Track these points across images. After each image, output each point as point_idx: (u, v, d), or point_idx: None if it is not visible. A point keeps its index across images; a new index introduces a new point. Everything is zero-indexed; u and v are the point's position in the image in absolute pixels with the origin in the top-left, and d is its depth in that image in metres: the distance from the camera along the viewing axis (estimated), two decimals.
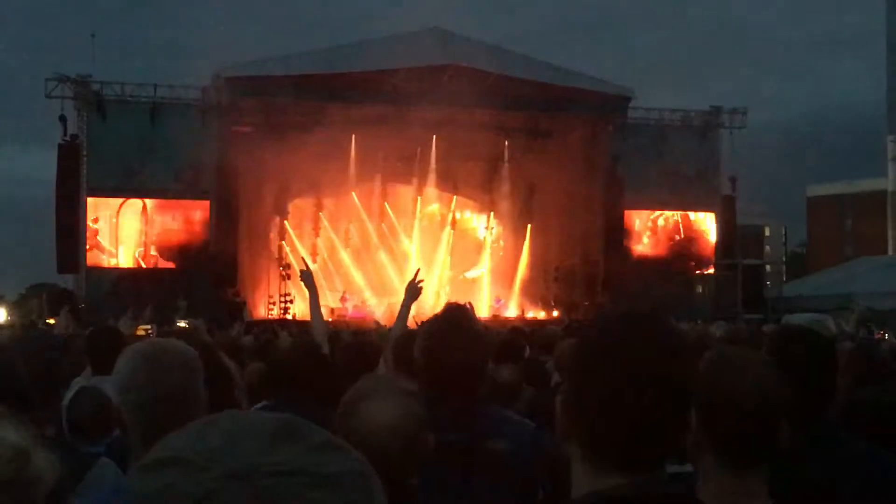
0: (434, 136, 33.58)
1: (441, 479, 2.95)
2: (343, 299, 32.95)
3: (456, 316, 3.45)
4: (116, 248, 31.79)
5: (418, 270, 6.71)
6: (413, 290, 6.39)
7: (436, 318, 3.50)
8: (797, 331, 3.65)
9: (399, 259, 34.99)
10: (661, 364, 1.76)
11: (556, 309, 33.67)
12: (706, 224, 36.13)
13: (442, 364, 3.28)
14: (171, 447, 1.01)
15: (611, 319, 1.91)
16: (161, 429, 2.52)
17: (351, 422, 2.71)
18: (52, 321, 22.42)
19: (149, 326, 14.15)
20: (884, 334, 16.93)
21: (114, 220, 31.67)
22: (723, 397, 2.48)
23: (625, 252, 34.69)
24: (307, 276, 6.94)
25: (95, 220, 31.39)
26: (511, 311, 33.64)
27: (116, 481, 2.82)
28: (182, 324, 15.41)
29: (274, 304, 32.27)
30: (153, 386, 2.69)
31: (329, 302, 33.65)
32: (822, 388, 3.22)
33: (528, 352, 7.84)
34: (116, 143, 30.51)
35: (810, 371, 3.16)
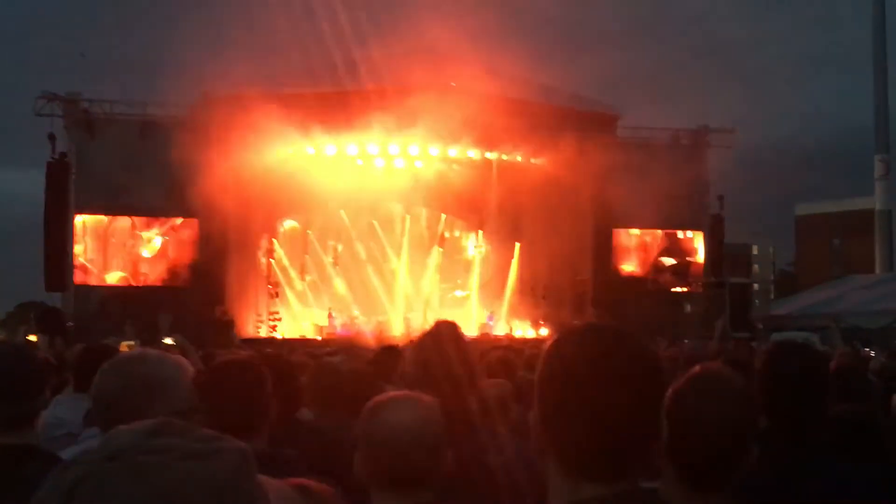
0: (422, 156, 33.68)
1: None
2: (330, 317, 32.91)
3: (445, 330, 3.50)
4: (105, 267, 31.73)
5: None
6: None
7: (427, 332, 3.55)
8: (792, 346, 3.66)
9: (388, 277, 35.01)
10: (632, 377, 1.79)
11: (545, 327, 33.68)
12: (694, 243, 36.23)
13: (433, 376, 3.30)
14: (66, 462, 1.08)
15: (575, 332, 1.93)
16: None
17: (373, 425, 2.74)
18: (33, 338, 22.32)
19: (132, 342, 14.12)
20: (869, 352, 16.97)
21: (102, 238, 31.64)
22: (686, 420, 2.49)
23: (613, 271, 34.76)
24: None
25: (84, 238, 31.34)
26: (499, 330, 33.63)
27: None
28: (168, 340, 15.34)
29: (262, 322, 32.22)
30: (98, 391, 2.89)
31: (317, 320, 33.65)
32: (815, 404, 3.23)
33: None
34: (105, 162, 30.44)
35: (803, 386, 3.17)
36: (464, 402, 3.32)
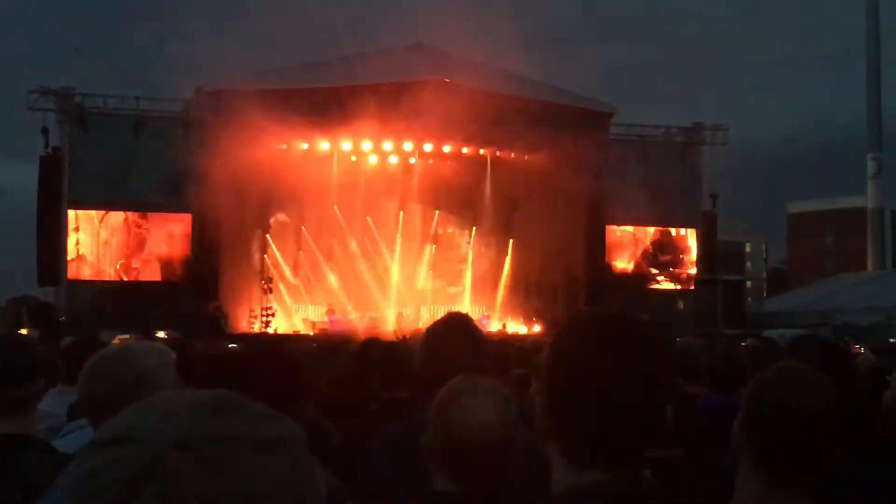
0: (416, 152, 33.70)
1: None
2: (330, 312, 32.88)
3: (458, 318, 3.54)
4: (98, 261, 31.67)
5: None
6: None
7: (439, 320, 3.57)
8: (812, 340, 3.66)
9: (381, 273, 34.99)
10: (636, 360, 1.80)
11: (537, 323, 33.71)
12: (687, 240, 36.27)
13: (444, 361, 3.32)
14: (110, 429, 1.03)
15: (584, 319, 1.95)
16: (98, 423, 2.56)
17: (447, 414, 2.74)
18: (24, 331, 22.24)
19: (126, 336, 14.09)
20: (860, 349, 17.01)
21: (95, 232, 31.58)
22: (772, 410, 2.49)
23: (606, 267, 34.79)
24: None
25: (77, 233, 31.28)
26: (493, 326, 33.66)
27: None
28: (161, 334, 15.35)
29: (255, 317, 32.19)
30: (84, 392, 2.95)
31: (311, 316, 33.64)
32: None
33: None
34: (98, 156, 30.42)
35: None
36: None
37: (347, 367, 6.16)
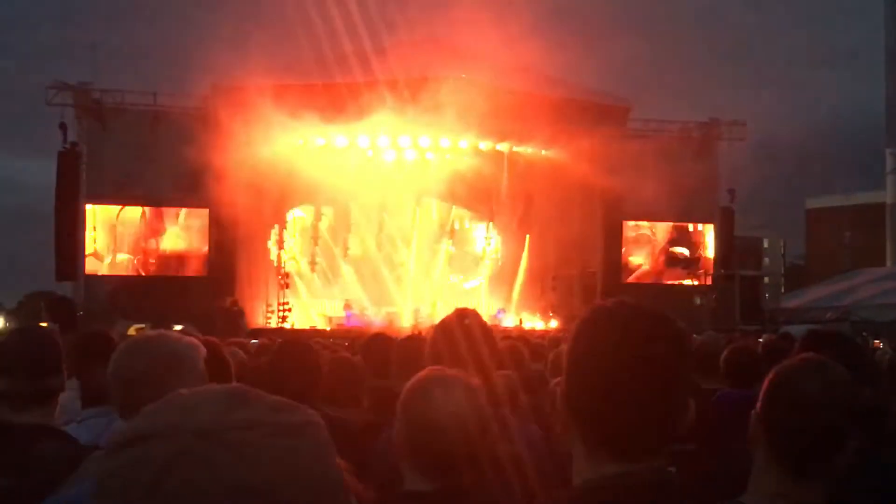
0: (432, 147, 33.71)
1: None
2: (347, 307, 32.94)
3: (467, 314, 3.53)
4: (115, 256, 31.81)
5: None
6: None
7: (448, 316, 3.56)
8: (828, 334, 3.64)
9: (397, 269, 35.02)
10: (656, 352, 1.79)
11: (554, 318, 33.66)
12: (705, 236, 36.19)
13: (451, 356, 3.31)
14: (132, 428, 1.03)
15: (604, 311, 1.93)
16: (131, 411, 2.56)
17: (415, 406, 2.71)
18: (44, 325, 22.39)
19: (143, 326, 14.19)
20: (879, 344, 16.96)
21: (112, 228, 31.72)
22: (791, 400, 2.48)
23: (622, 262, 34.76)
24: None
25: (94, 228, 31.42)
26: (509, 321, 33.62)
27: None
28: (177, 328, 15.43)
29: (272, 312, 32.24)
30: (119, 371, 2.87)
31: (327, 311, 33.69)
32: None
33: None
34: (116, 151, 30.57)
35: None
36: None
37: (343, 359, 6.19)
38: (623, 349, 1.79)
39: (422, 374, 2.80)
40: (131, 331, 11.78)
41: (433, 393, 2.71)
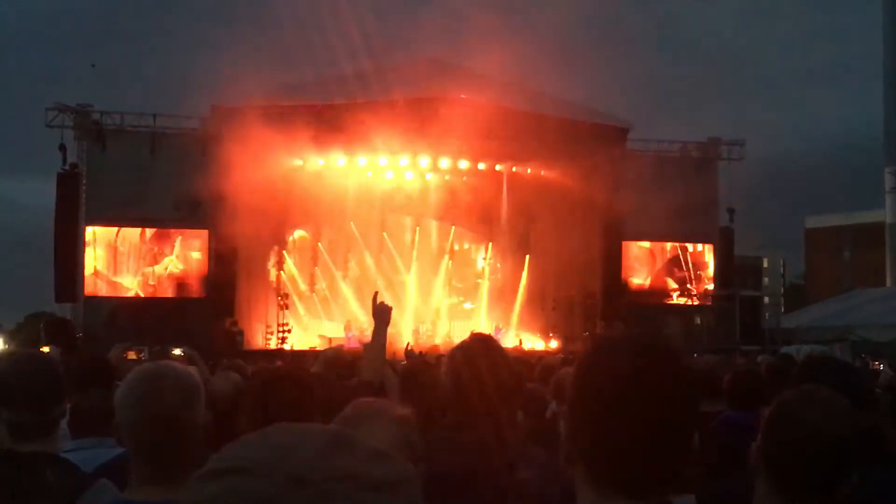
0: (432, 168, 33.72)
1: None
2: (348, 328, 32.88)
3: (485, 341, 3.48)
4: (114, 278, 31.79)
5: (376, 293, 6.41)
6: (382, 314, 5.85)
7: (465, 342, 3.50)
8: (825, 360, 3.63)
9: (397, 289, 34.97)
10: (663, 385, 1.76)
11: (554, 339, 33.62)
12: (705, 256, 36.18)
13: (472, 387, 3.26)
14: (227, 458, 1.01)
15: (609, 341, 1.91)
16: (152, 447, 2.50)
17: None
18: (46, 349, 22.34)
19: (140, 349, 14.10)
20: (879, 365, 16.92)
21: (112, 249, 31.71)
22: (792, 431, 2.47)
23: (622, 283, 34.73)
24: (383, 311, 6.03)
25: (93, 249, 31.41)
26: (508, 342, 33.57)
27: (114, 499, 2.88)
28: (177, 351, 15.37)
29: (272, 333, 32.18)
30: (142, 406, 2.73)
31: (327, 332, 33.64)
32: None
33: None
34: (116, 173, 30.60)
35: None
36: (497, 422, 3.26)
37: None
38: (628, 380, 1.76)
39: (348, 408, 2.72)
40: (130, 355, 11.70)
41: (362, 428, 2.64)
